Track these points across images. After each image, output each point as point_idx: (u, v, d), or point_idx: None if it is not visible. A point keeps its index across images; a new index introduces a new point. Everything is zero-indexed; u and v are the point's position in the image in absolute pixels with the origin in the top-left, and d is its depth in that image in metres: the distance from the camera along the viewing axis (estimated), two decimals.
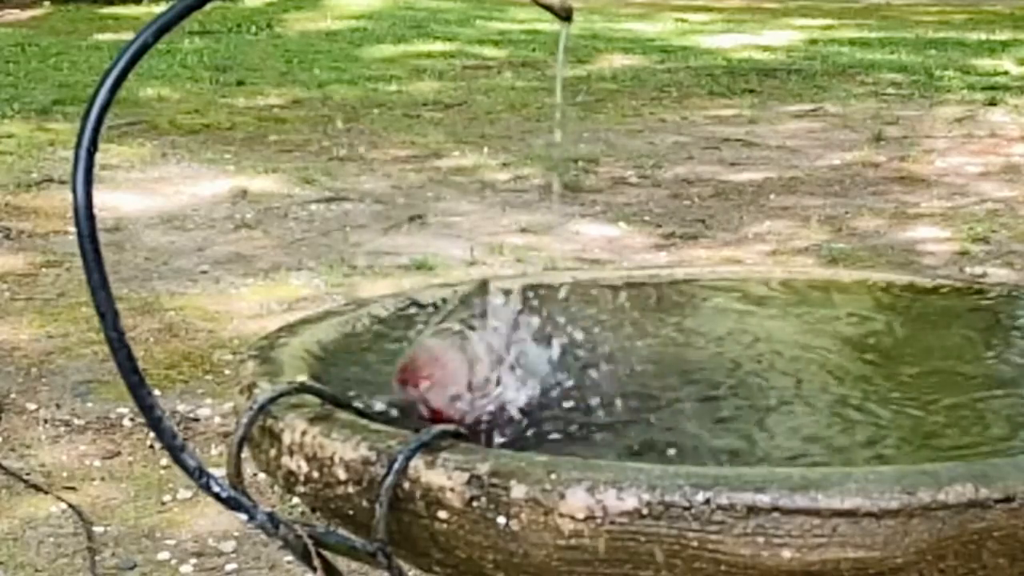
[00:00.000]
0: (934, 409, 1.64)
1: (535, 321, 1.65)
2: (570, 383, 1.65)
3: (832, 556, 1.25)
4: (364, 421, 1.46)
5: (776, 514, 1.24)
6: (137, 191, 6.09)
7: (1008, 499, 1.25)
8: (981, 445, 1.53)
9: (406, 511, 1.36)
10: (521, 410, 1.58)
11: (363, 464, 1.38)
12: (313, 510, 1.47)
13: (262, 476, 1.55)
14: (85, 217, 1.40)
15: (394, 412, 1.51)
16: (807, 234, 5.52)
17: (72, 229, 1.72)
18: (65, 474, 3.37)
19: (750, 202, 6.03)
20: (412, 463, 1.35)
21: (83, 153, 1.41)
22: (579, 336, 1.76)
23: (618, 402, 1.64)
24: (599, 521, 1.27)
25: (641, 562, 1.28)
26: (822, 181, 6.43)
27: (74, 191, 1.40)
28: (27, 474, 3.36)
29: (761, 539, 1.25)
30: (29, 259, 5.10)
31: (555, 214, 5.78)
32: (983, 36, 11.21)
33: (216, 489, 1.46)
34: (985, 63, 9.78)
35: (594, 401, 1.63)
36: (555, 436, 1.56)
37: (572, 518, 1.28)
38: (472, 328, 1.60)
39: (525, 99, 8.42)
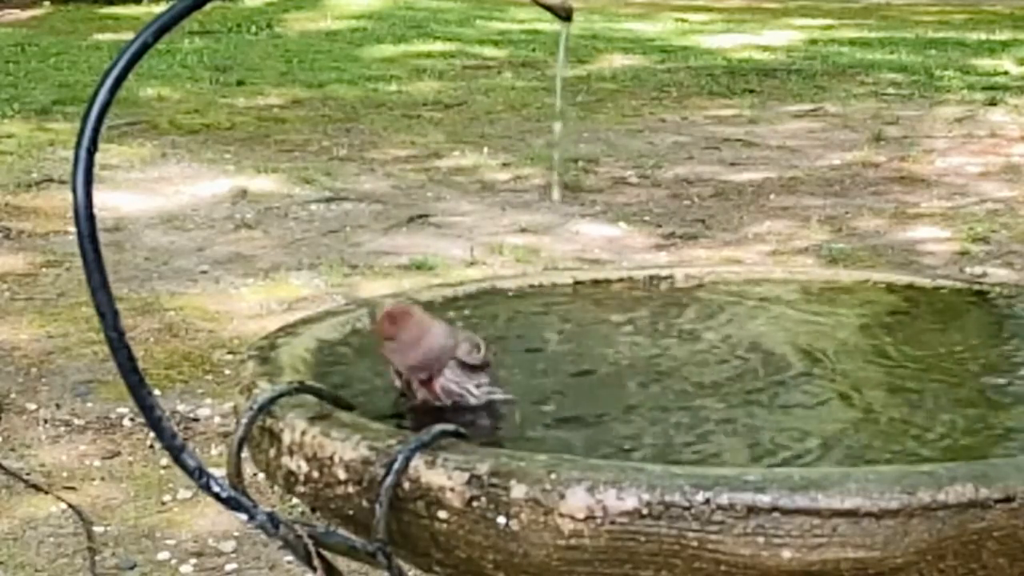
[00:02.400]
0: (934, 409, 1.63)
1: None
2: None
3: (832, 556, 1.25)
4: (364, 420, 1.46)
5: (776, 514, 1.24)
6: (137, 191, 6.09)
7: (1008, 499, 1.25)
8: (981, 445, 1.53)
9: (406, 511, 1.35)
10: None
11: (363, 464, 1.38)
12: (313, 510, 1.47)
13: (262, 476, 1.55)
14: (85, 217, 1.40)
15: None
16: (807, 234, 5.51)
17: (72, 229, 1.72)
18: (65, 474, 3.37)
19: (750, 202, 6.03)
20: (412, 463, 1.35)
21: (83, 153, 1.41)
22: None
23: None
24: (599, 521, 1.27)
25: (641, 562, 1.28)
26: (822, 181, 6.42)
27: (74, 191, 1.40)
28: (27, 474, 3.36)
29: (761, 539, 1.24)
30: (29, 259, 5.09)
31: (555, 214, 5.78)
32: (983, 36, 11.21)
33: (216, 489, 1.46)
34: (985, 63, 9.78)
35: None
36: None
37: (572, 518, 1.28)
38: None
39: (525, 99, 8.42)
